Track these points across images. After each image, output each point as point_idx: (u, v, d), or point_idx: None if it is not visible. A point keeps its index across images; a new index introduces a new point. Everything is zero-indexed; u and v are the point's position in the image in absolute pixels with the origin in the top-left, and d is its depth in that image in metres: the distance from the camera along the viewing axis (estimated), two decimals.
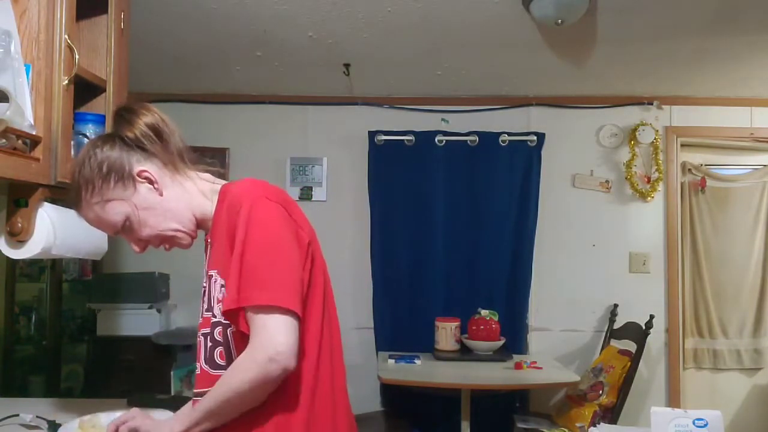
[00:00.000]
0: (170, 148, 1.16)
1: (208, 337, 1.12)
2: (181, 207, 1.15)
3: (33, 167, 1.24)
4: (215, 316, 1.10)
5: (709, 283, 3.58)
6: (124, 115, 1.16)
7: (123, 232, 1.15)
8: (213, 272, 1.12)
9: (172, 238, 1.16)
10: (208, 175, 1.22)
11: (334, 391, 1.13)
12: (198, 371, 1.14)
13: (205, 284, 1.15)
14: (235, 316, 1.03)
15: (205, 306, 1.14)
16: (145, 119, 1.14)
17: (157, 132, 1.14)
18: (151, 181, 1.13)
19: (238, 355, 1.05)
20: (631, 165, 3.48)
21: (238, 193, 1.09)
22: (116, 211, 1.12)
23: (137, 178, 1.13)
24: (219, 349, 1.10)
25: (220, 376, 1.08)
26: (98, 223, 1.15)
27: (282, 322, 0.99)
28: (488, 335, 3.15)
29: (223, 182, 1.21)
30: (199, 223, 1.19)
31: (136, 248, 1.17)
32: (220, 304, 1.07)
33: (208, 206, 1.17)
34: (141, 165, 1.13)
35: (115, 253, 3.41)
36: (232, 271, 1.02)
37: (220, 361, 1.10)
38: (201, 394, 1.10)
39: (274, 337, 0.98)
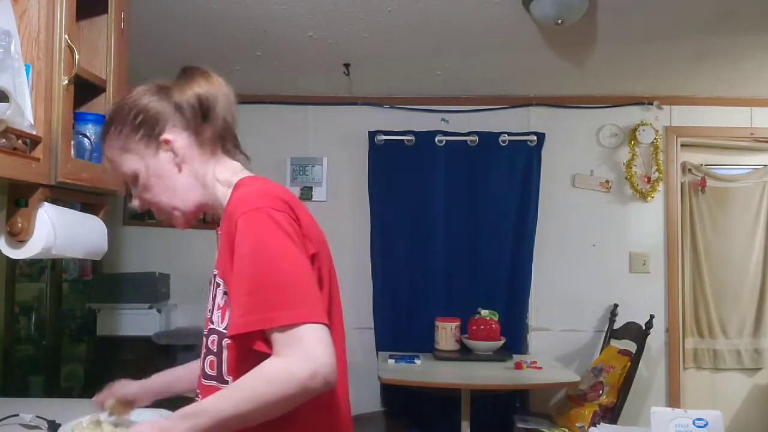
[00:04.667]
0: (212, 128, 1.09)
1: (204, 343, 1.06)
2: (190, 190, 1.09)
3: (33, 167, 1.24)
4: (212, 323, 1.04)
5: (709, 283, 3.58)
6: (182, 75, 1.11)
7: (130, 184, 1.12)
8: (216, 272, 1.07)
9: (169, 212, 1.12)
10: (237, 165, 1.14)
11: (338, 398, 1.07)
12: (200, 371, 1.10)
13: (213, 278, 1.10)
14: (248, 337, 0.93)
15: (209, 306, 1.08)
16: (198, 89, 1.08)
17: (204, 106, 1.08)
18: (174, 153, 1.08)
19: (231, 369, 0.99)
20: (631, 165, 3.48)
21: (239, 199, 1.00)
22: (129, 164, 1.09)
23: (162, 143, 1.07)
24: (210, 359, 1.03)
25: (213, 388, 1.01)
26: (111, 166, 1.13)
27: (318, 333, 0.90)
28: (488, 335, 3.15)
29: (244, 175, 1.12)
30: (208, 210, 1.14)
31: (135, 202, 1.14)
32: (220, 311, 1.02)
33: (220, 197, 1.10)
34: (172, 133, 1.07)
35: (115, 253, 3.41)
36: (238, 291, 0.94)
37: (210, 371, 1.03)
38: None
39: (313, 351, 0.89)
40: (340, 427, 1.08)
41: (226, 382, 1.00)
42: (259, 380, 0.90)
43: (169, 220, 1.13)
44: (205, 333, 1.06)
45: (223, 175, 1.11)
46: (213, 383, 1.03)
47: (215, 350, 1.02)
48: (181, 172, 1.09)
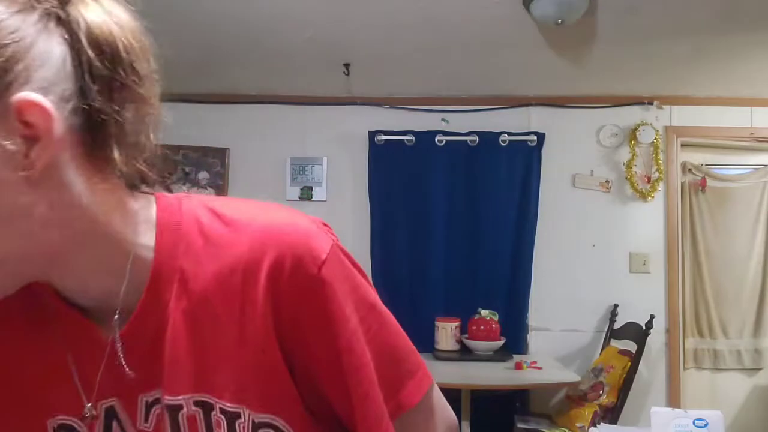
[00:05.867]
0: (124, 106, 0.53)
1: None
2: (53, 229, 0.51)
3: None
4: None
5: (709, 283, 3.58)
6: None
7: None
8: (189, 398, 0.57)
9: None
10: (122, 185, 0.56)
11: None
12: None
13: (143, 407, 0.58)
14: None
15: None
16: (98, 22, 0.52)
17: (117, 57, 0.52)
18: (32, 138, 0.47)
19: None
20: (631, 165, 3.48)
21: (290, 238, 0.57)
22: None
23: (12, 111, 0.46)
24: None
25: None
26: None
27: (437, 388, 0.70)
28: (488, 335, 3.15)
29: (148, 199, 0.59)
30: (45, 277, 0.54)
31: None
32: None
33: (137, 243, 0.56)
34: (40, 94, 0.47)
35: None
36: (365, 383, 0.59)
37: None
38: None
39: (449, 416, 0.72)
40: None
41: None
42: None
43: None
44: None
45: (137, 205, 0.58)
46: None
47: None
48: (39, 183, 0.49)
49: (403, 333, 0.65)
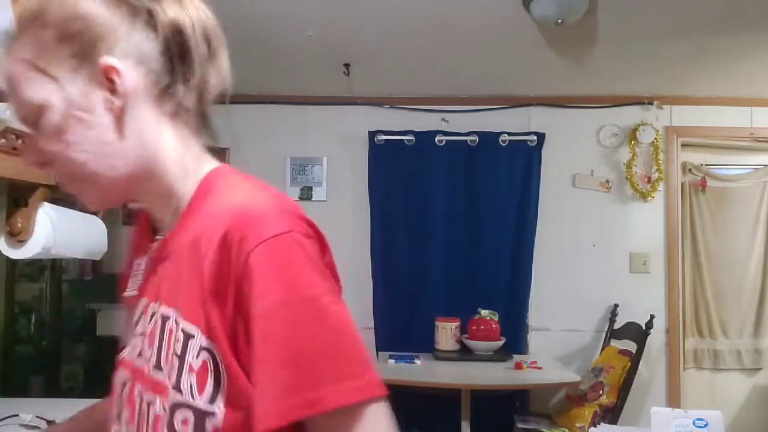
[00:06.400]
0: (185, 79, 0.72)
1: (159, 417, 0.68)
2: (126, 155, 0.71)
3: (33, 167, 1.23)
4: (180, 391, 0.66)
5: (709, 283, 3.58)
6: None
7: (28, 123, 0.71)
8: (172, 312, 0.69)
9: (80, 180, 0.72)
10: (198, 146, 0.77)
11: None
12: None
13: (151, 313, 0.73)
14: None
15: (153, 359, 0.70)
16: (175, 12, 0.71)
17: (181, 41, 0.71)
18: (114, 91, 0.68)
19: None
20: (631, 165, 3.48)
21: (243, 215, 0.66)
22: (37, 89, 0.68)
23: (100, 72, 0.68)
24: None
25: None
26: (9, 84, 0.71)
27: (382, 412, 0.66)
28: (488, 335, 3.15)
29: (211, 164, 0.77)
30: (138, 194, 0.76)
31: (30, 157, 0.75)
32: (194, 375, 0.65)
33: (181, 190, 0.74)
34: (120, 60, 0.68)
35: (115, 253, 3.40)
36: (268, 360, 0.62)
37: None
38: None
39: None
40: None
41: None
42: None
43: (79, 194, 0.75)
44: (165, 406, 0.67)
45: (187, 158, 0.75)
46: None
47: None
48: (121, 124, 0.70)
49: (353, 342, 0.66)
